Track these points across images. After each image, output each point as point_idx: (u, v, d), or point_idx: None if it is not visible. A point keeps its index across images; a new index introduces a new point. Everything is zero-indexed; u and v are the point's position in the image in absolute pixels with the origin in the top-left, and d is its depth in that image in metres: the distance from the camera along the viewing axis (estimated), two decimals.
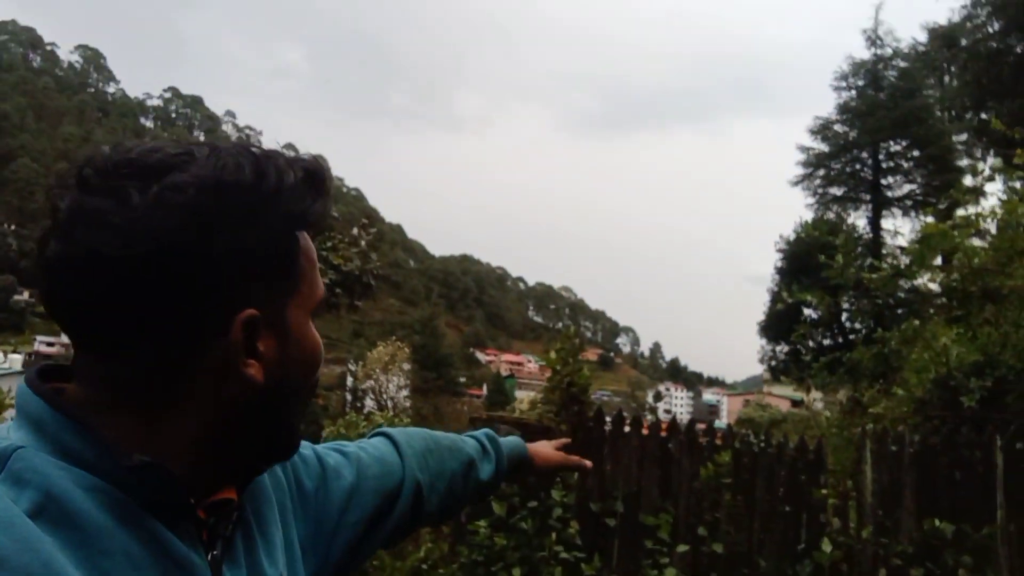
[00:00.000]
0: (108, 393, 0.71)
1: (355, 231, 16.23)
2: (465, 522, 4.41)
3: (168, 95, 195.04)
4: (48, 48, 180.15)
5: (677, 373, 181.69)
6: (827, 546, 4.27)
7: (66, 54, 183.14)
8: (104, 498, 0.66)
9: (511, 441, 1.37)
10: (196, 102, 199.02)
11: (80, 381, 0.73)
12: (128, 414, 0.71)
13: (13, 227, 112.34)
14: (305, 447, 1.02)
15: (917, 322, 7.81)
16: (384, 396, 33.11)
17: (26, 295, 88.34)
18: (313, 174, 0.77)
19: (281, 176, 0.74)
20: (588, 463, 1.48)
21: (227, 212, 0.69)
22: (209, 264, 0.68)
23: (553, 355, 5.43)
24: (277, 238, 0.74)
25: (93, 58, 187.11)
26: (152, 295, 0.67)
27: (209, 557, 0.74)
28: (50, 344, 64.75)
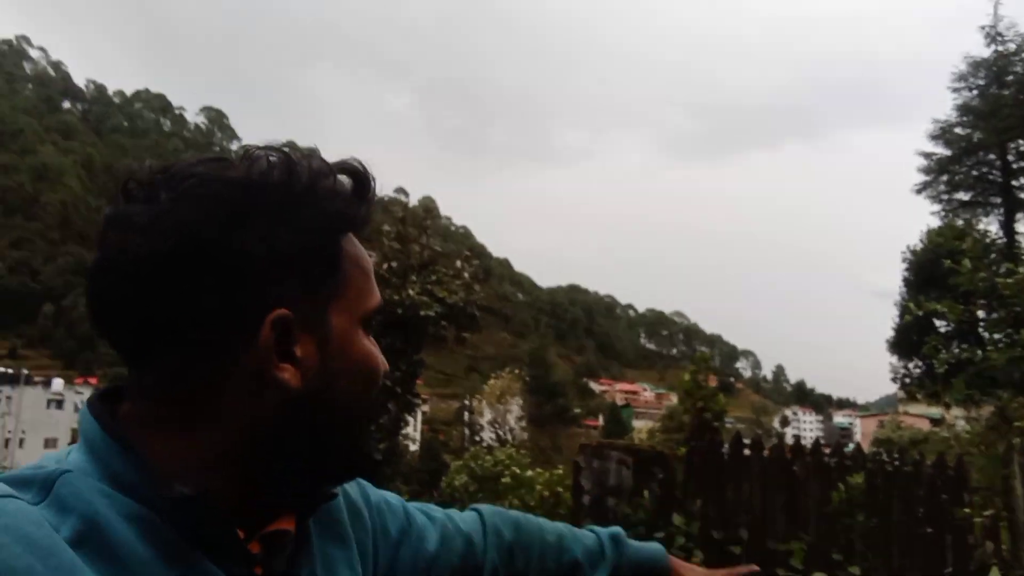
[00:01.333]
0: (150, 409, 0.68)
1: (458, 263, 16.68)
2: None
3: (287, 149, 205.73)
4: (177, 112, 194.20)
5: (804, 396, 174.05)
6: (996, 574, 3.93)
7: (192, 116, 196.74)
8: (148, 528, 0.63)
9: (646, 548, 1.16)
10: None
11: (130, 398, 0.70)
12: (170, 431, 0.67)
13: None
14: (394, 498, 0.99)
15: None
16: (504, 428, 33.33)
17: None
18: (354, 176, 0.75)
19: (316, 176, 0.72)
20: (755, 567, 1.17)
21: (254, 207, 0.67)
22: (235, 260, 0.66)
23: (687, 377, 5.30)
24: (312, 237, 0.70)
25: (217, 119, 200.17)
26: (178, 293, 0.65)
27: None
28: None
